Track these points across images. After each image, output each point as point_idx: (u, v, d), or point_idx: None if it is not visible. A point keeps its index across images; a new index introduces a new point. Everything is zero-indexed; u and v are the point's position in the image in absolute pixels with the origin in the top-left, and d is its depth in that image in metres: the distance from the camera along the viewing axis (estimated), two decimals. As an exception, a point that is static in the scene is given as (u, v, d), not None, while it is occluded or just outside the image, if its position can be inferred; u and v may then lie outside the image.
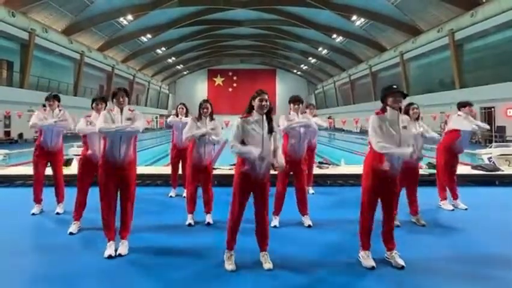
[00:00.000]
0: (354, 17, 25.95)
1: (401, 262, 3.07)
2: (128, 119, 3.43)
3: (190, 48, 38.74)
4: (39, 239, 3.87)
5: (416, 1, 21.21)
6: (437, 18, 22.04)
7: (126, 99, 3.49)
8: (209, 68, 52.71)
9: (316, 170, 7.37)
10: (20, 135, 20.19)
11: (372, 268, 3.03)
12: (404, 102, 4.55)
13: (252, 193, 3.13)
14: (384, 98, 3.13)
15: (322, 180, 6.93)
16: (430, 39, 23.36)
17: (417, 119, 4.26)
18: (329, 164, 7.94)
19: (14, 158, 10.01)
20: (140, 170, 7.48)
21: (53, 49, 23.98)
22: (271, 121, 3.10)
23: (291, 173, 4.26)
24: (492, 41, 19.22)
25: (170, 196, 5.79)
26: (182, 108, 5.86)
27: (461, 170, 7.12)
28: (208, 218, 4.32)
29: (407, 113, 4.16)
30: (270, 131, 3.06)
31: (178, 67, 46.91)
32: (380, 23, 25.49)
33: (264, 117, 3.07)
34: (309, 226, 4.16)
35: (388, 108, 3.10)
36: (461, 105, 5.15)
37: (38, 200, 4.76)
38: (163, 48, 35.69)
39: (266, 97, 3.04)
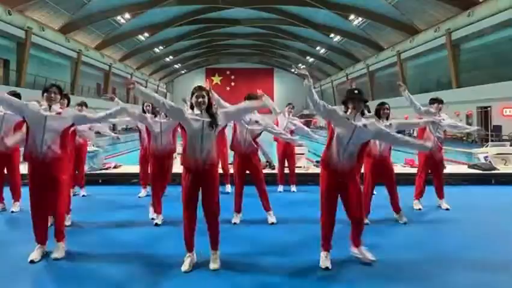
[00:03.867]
0: (351, 17, 25.99)
1: (370, 256, 3.11)
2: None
3: (188, 47, 38.65)
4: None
5: (413, 0, 21.26)
6: (434, 17, 22.10)
7: (58, 96, 3.30)
8: (207, 67, 52.62)
9: (313, 169, 7.40)
10: (17, 134, 20.06)
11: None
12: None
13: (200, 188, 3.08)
14: (346, 101, 3.14)
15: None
16: (427, 38, 23.43)
17: (387, 118, 4.33)
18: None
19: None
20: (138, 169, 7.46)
21: (50, 47, 23.86)
22: (213, 116, 3.04)
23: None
24: (489, 40, 19.30)
25: (139, 196, 5.70)
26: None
27: (457, 169, 7.18)
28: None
29: (378, 112, 4.30)
30: (211, 124, 3.00)
31: (176, 66, 46.81)
32: (377, 23, 25.54)
33: (204, 113, 3.04)
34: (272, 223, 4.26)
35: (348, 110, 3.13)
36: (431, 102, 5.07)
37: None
38: (161, 47, 35.59)
39: (203, 93, 3.05)
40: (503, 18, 17.25)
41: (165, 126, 4.39)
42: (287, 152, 6.23)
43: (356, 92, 3.09)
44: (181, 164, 3.12)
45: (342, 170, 3.09)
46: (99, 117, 3.61)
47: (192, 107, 3.10)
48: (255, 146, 4.36)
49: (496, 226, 4.28)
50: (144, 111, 4.65)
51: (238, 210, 4.40)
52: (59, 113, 3.27)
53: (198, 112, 3.05)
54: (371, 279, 2.89)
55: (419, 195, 5.09)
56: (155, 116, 4.43)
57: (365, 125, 3.06)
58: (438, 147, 4.93)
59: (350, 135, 3.05)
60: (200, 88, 3.10)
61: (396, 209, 4.42)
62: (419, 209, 4.95)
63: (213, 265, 3.02)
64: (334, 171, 3.11)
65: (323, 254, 3.12)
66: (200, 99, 3.03)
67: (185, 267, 2.97)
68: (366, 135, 3.10)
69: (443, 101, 5.05)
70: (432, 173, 5.11)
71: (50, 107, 3.25)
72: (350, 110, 3.09)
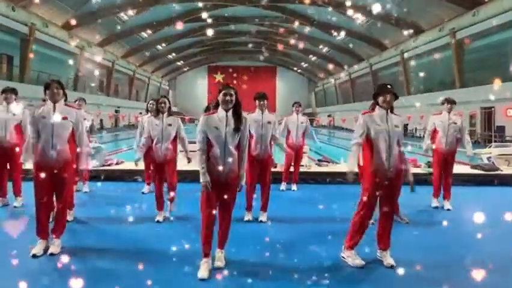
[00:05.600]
0: (355, 15, 25.83)
1: (391, 261, 3.09)
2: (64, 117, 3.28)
3: (190, 44, 38.64)
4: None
5: (418, 0, 21.14)
6: (439, 17, 21.97)
7: (60, 91, 3.32)
8: (209, 64, 52.59)
9: (315, 168, 7.41)
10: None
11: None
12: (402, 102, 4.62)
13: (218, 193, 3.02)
14: (376, 96, 3.19)
15: (321, 178, 6.96)
16: (431, 38, 23.31)
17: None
18: (328, 162, 7.96)
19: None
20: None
21: (53, 44, 23.90)
22: (239, 118, 2.96)
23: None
24: (493, 40, 19.18)
25: (143, 192, 5.70)
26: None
27: (460, 169, 7.15)
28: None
29: None
30: (236, 129, 2.94)
31: (178, 63, 46.82)
32: (381, 21, 25.39)
33: (230, 113, 2.97)
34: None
35: (377, 107, 3.18)
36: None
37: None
38: (164, 44, 35.59)
39: (232, 92, 2.99)
40: (508, 18, 17.12)
41: (166, 134, 4.35)
42: (298, 153, 6.23)
43: (388, 86, 3.17)
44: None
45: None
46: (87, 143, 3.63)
47: (216, 106, 3.04)
48: (270, 149, 4.48)
49: (498, 227, 4.25)
50: (148, 110, 4.70)
51: (249, 208, 4.44)
52: (65, 118, 3.30)
53: (223, 114, 2.96)
54: (372, 280, 2.88)
55: (436, 193, 5.12)
56: (158, 114, 4.40)
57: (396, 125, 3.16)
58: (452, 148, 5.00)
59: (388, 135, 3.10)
60: (229, 86, 3.05)
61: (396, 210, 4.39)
62: (436, 207, 5.02)
63: (218, 263, 3.00)
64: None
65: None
66: (228, 98, 2.96)
67: (202, 273, 2.81)
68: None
69: (455, 102, 5.06)
70: (443, 172, 5.11)
71: (54, 107, 3.28)
72: (379, 105, 3.15)
